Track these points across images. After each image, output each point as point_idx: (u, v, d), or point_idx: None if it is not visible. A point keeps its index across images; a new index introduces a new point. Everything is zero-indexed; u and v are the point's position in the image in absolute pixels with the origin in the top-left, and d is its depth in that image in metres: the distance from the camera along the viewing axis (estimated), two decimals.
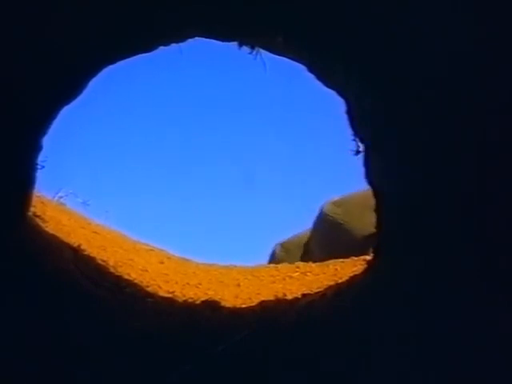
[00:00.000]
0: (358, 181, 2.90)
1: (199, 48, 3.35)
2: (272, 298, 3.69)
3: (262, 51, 3.03)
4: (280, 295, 3.74)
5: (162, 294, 3.73)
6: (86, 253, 3.82)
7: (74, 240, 3.93)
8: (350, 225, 6.75)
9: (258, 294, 3.88)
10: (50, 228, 3.79)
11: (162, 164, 14.50)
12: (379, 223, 2.77)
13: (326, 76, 2.87)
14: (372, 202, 2.84)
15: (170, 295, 3.74)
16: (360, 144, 2.79)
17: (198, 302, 3.61)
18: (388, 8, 2.15)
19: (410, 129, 2.37)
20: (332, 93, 2.90)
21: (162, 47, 3.03)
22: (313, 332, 2.72)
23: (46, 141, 3.06)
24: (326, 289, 3.51)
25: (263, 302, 3.57)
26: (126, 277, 3.82)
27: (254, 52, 3.01)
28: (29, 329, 2.44)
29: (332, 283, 3.65)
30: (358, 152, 2.82)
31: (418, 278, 2.33)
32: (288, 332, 2.85)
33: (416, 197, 2.39)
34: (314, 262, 5.01)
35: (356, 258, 4.28)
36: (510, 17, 1.84)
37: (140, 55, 3.06)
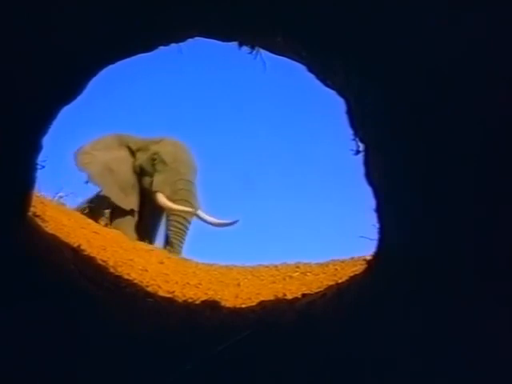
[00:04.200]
0: (358, 179, 2.90)
1: (199, 48, 3.35)
2: (272, 298, 3.68)
3: (262, 51, 3.04)
4: (280, 295, 3.74)
5: (161, 293, 3.74)
6: (85, 253, 3.83)
7: (73, 240, 3.94)
8: None
9: (258, 293, 3.88)
10: (49, 228, 3.79)
11: None
12: (379, 223, 2.76)
13: (325, 76, 2.87)
14: None
15: (169, 295, 3.75)
16: (360, 144, 2.79)
17: (197, 302, 3.62)
18: (388, 8, 2.15)
19: (410, 129, 2.37)
20: (332, 93, 2.90)
21: (161, 47, 3.03)
22: (313, 332, 2.72)
23: (46, 141, 3.06)
24: (325, 289, 3.50)
25: (263, 301, 3.57)
26: (126, 277, 3.82)
27: (254, 52, 3.01)
28: (28, 329, 2.44)
29: (332, 283, 3.65)
30: (358, 152, 2.81)
31: (418, 278, 2.33)
32: (288, 332, 2.85)
33: (416, 196, 2.39)
34: None
35: (356, 258, 4.28)
36: None
37: (140, 55, 3.07)
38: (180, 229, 7.55)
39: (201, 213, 7.66)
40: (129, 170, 7.91)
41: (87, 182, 7.67)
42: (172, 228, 7.54)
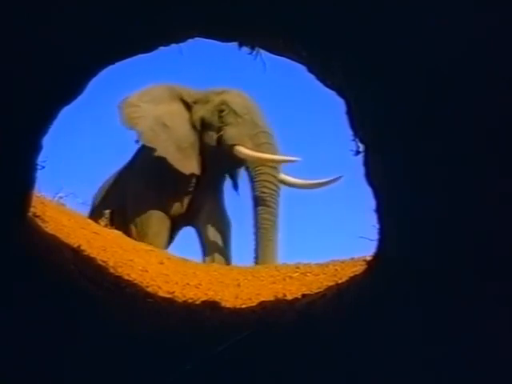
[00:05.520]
0: (358, 179, 2.90)
1: (199, 48, 3.36)
2: (272, 298, 3.69)
3: (262, 51, 3.04)
4: (280, 295, 3.74)
5: (161, 294, 3.74)
6: (86, 253, 3.83)
7: (74, 240, 3.93)
8: None
9: (258, 294, 3.88)
10: (50, 228, 3.79)
11: None
12: (379, 223, 2.77)
13: (325, 76, 2.87)
14: None
15: (169, 295, 3.75)
16: (360, 144, 2.79)
17: (198, 303, 3.62)
18: (388, 8, 2.15)
19: (410, 129, 2.37)
20: (332, 93, 2.90)
21: (162, 47, 3.03)
22: (313, 332, 2.72)
23: (46, 141, 3.06)
24: (326, 289, 3.51)
25: (263, 302, 3.57)
26: (126, 277, 3.82)
27: (254, 52, 3.01)
28: (28, 329, 2.44)
29: (332, 283, 3.65)
30: (358, 152, 2.82)
31: (418, 278, 2.33)
32: (288, 332, 2.85)
33: (416, 196, 2.39)
34: None
35: (356, 258, 4.28)
36: None
37: (140, 55, 3.07)
38: (273, 189, 6.26)
39: (282, 175, 6.38)
40: (186, 126, 6.57)
41: (137, 142, 6.59)
42: (265, 190, 6.22)
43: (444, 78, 2.13)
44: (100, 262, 3.83)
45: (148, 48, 3.02)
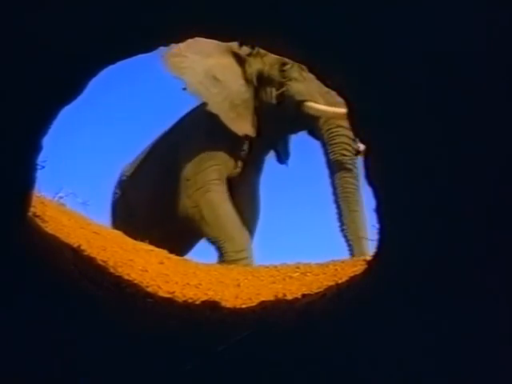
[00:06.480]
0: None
1: None
2: (272, 298, 3.69)
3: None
4: (280, 295, 3.74)
5: (161, 294, 3.74)
6: (86, 253, 3.82)
7: (73, 240, 3.93)
8: None
9: (258, 294, 3.88)
10: (50, 228, 3.78)
11: None
12: (379, 223, 2.77)
13: (325, 76, 2.87)
14: None
15: (169, 295, 3.75)
16: (360, 144, 2.80)
17: (197, 303, 3.61)
18: (389, 8, 2.16)
19: (410, 129, 2.37)
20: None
21: (161, 47, 3.03)
22: (313, 332, 2.72)
23: (46, 141, 3.06)
24: (326, 289, 3.51)
25: (263, 302, 3.57)
26: (126, 277, 3.82)
27: (254, 52, 3.01)
28: (28, 329, 2.44)
29: (332, 283, 3.65)
30: (358, 152, 2.82)
31: (419, 279, 2.33)
32: (288, 332, 2.85)
33: (416, 196, 2.39)
34: None
35: (356, 258, 4.29)
36: None
37: (140, 55, 3.07)
38: (353, 153, 5.36)
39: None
40: (239, 80, 5.83)
41: (185, 89, 5.89)
42: (346, 152, 5.40)
43: (444, 77, 2.13)
44: (100, 262, 3.83)
45: (148, 48, 3.02)
